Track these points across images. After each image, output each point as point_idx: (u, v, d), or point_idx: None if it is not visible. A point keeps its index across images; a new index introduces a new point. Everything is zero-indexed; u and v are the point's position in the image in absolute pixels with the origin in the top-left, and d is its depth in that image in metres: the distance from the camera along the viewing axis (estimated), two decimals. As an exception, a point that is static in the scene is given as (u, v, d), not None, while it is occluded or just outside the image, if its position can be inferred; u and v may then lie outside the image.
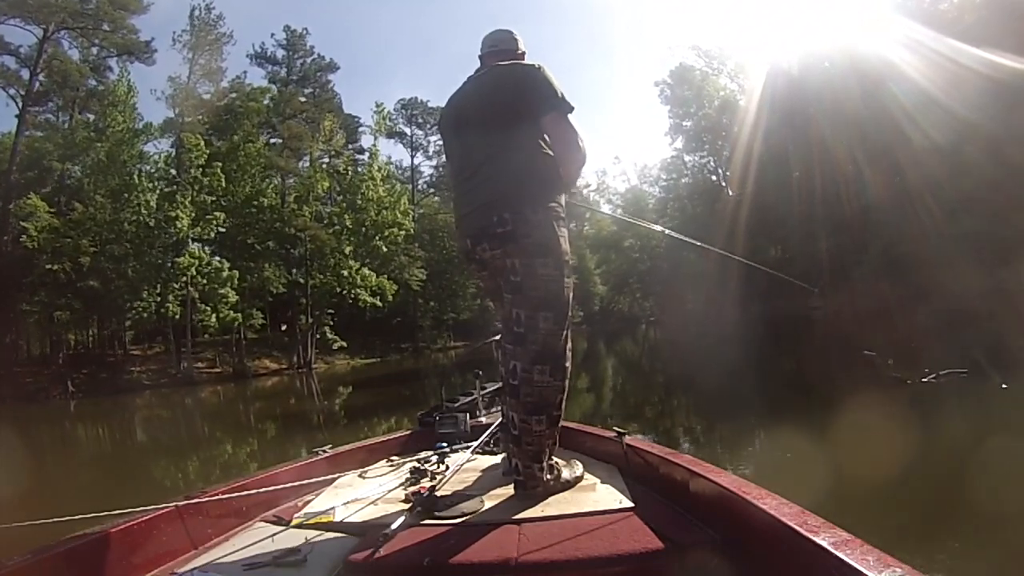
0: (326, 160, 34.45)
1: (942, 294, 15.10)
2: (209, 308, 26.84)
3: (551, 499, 1.90)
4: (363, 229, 31.04)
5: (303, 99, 35.70)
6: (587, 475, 2.10)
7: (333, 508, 1.97)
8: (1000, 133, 16.87)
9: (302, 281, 32.41)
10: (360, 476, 2.44)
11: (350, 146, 38.90)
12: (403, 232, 32.19)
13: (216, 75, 32.38)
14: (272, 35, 37.60)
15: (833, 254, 25.08)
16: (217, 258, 27.89)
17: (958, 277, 14.97)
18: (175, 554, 1.71)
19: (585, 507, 1.80)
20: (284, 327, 32.58)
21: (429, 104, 46.74)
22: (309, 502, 2.11)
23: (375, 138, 35.13)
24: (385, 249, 31.92)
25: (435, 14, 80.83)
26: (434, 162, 48.72)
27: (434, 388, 18.24)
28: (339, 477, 2.38)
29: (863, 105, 23.19)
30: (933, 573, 2.73)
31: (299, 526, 1.85)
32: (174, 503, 1.78)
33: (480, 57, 2.30)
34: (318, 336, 32.00)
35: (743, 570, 1.37)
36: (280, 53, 36.70)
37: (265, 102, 33.13)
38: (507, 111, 2.01)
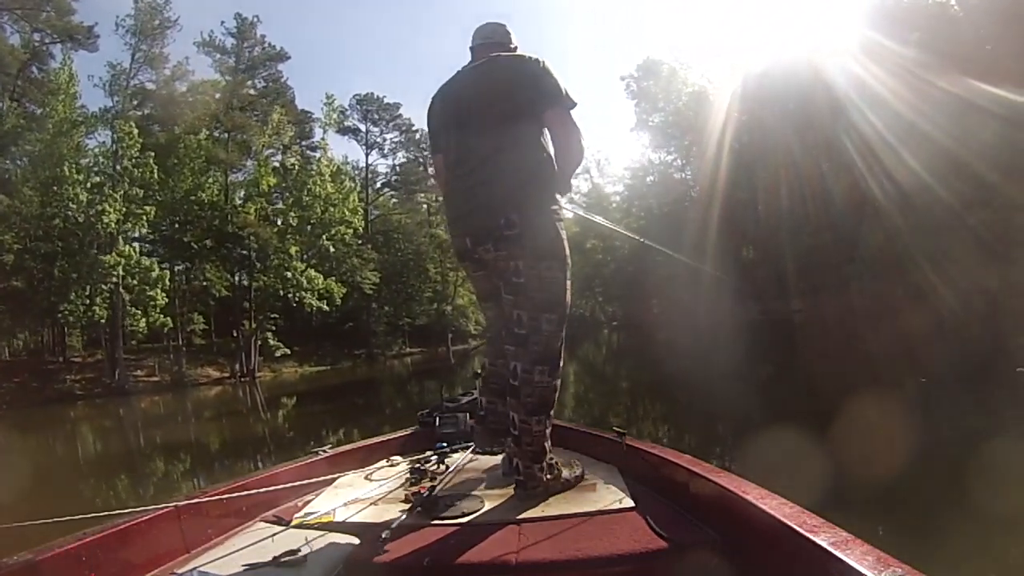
0: (278, 158, 33.84)
1: (934, 297, 15.33)
2: (139, 312, 26.06)
3: (551, 499, 1.98)
4: (308, 227, 30.60)
5: (253, 92, 34.98)
6: (587, 475, 2.19)
7: (333, 508, 2.05)
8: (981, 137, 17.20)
9: (245, 283, 31.73)
10: (360, 476, 2.50)
11: (303, 143, 38.22)
12: (351, 231, 31.82)
13: (159, 62, 31.61)
14: (223, 23, 36.75)
15: (812, 256, 25.23)
16: (145, 257, 27.05)
17: (942, 280, 15.34)
18: (175, 554, 1.76)
19: (585, 507, 1.88)
20: (236, 333, 31.91)
21: (385, 100, 46.30)
22: (309, 502, 2.18)
23: (324, 131, 34.76)
24: (332, 249, 31.49)
25: (403, 15, 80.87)
26: (390, 160, 48.22)
27: (390, 398, 18.02)
28: (339, 477, 2.45)
29: (832, 111, 23.63)
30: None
31: (299, 526, 1.90)
32: (174, 503, 1.83)
33: (472, 49, 2.32)
34: (260, 342, 31.43)
35: (743, 570, 1.43)
36: (230, 42, 35.93)
37: (217, 96, 32.48)
38: (508, 105, 2.03)
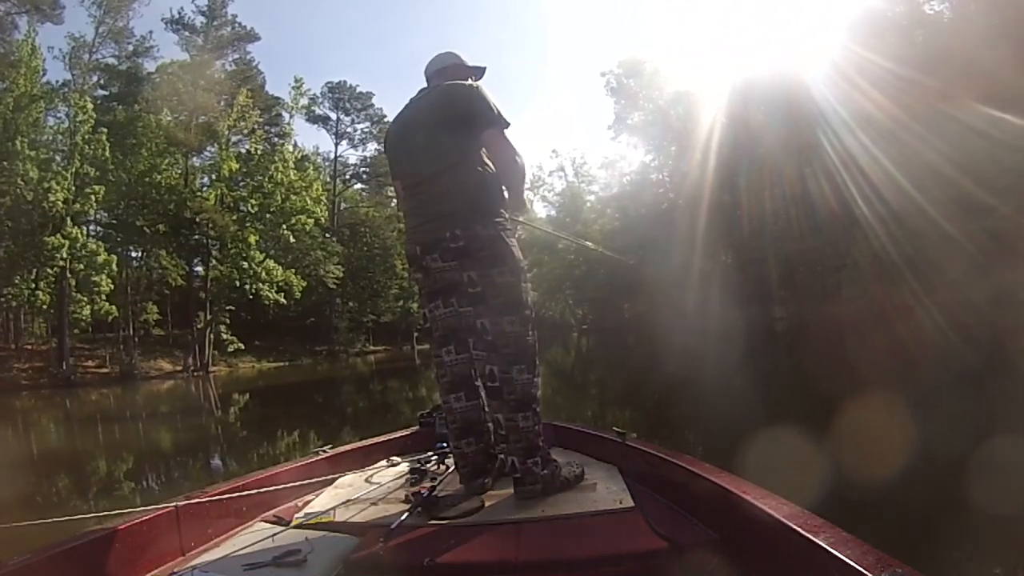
0: (246, 145, 33.30)
1: (920, 308, 15.49)
2: (84, 298, 25.50)
3: (551, 499, 2.04)
4: (268, 216, 30.18)
5: (220, 74, 34.47)
6: (587, 475, 2.25)
7: (333, 508, 2.10)
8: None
9: (201, 272, 31.30)
10: (360, 476, 2.56)
11: (272, 129, 37.73)
12: (312, 220, 31.51)
13: (123, 36, 31.24)
14: (193, 0, 36.19)
15: (798, 262, 25.52)
16: (92, 240, 26.52)
17: (927, 288, 15.58)
18: (175, 554, 1.80)
19: (585, 507, 1.93)
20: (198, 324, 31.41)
21: (358, 88, 46.10)
22: (309, 502, 2.23)
23: (291, 116, 34.39)
24: (293, 239, 31.17)
25: (381, 5, 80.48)
26: (360, 151, 47.94)
27: (351, 397, 17.74)
28: (339, 477, 2.51)
29: (816, 120, 23.89)
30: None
31: (299, 526, 1.95)
32: (174, 503, 1.87)
33: (427, 79, 2.55)
34: (214, 335, 30.94)
35: (743, 570, 1.46)
36: (199, 20, 35.28)
37: (187, 77, 31.97)
38: (448, 129, 2.24)
